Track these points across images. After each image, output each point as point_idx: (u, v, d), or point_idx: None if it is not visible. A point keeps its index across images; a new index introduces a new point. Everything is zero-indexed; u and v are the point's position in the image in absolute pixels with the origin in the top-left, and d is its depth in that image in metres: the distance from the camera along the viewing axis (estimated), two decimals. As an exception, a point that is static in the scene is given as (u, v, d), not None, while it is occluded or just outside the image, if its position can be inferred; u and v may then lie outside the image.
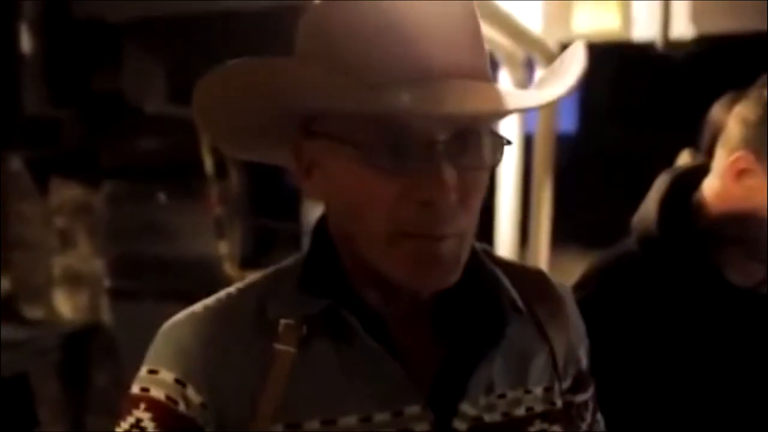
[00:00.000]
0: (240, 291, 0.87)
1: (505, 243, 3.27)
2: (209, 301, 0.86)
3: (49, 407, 3.80)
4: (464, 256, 0.80)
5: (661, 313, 1.25)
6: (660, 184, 1.35)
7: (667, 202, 1.32)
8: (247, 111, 0.80)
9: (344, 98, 0.74)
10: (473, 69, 0.76)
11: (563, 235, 4.42)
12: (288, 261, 0.89)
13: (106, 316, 3.88)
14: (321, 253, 0.86)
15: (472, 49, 0.77)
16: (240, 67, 0.76)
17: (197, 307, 0.85)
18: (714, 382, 1.24)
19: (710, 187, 1.28)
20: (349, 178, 0.77)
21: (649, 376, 1.23)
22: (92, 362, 3.88)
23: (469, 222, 0.79)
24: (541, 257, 3.72)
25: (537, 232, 3.89)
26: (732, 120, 1.24)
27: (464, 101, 0.74)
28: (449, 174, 0.74)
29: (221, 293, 0.87)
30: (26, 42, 3.59)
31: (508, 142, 0.80)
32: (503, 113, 0.79)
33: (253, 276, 0.89)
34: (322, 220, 0.88)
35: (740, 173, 1.22)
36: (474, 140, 0.77)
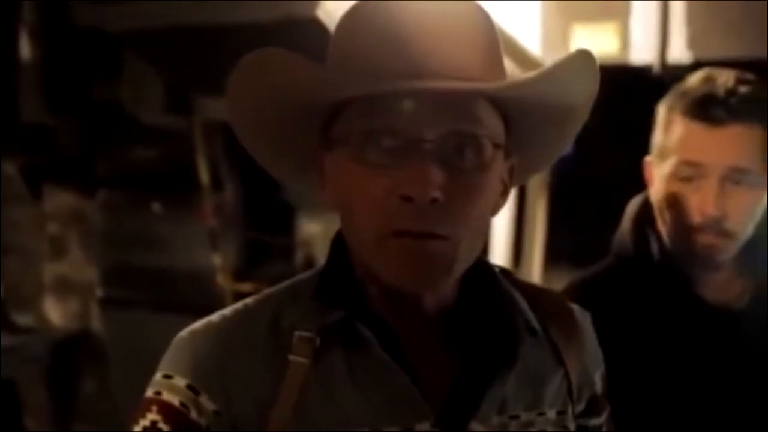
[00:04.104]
0: (257, 302, 0.88)
1: (498, 262, 3.28)
2: (227, 311, 0.87)
3: (36, 415, 3.77)
4: (459, 261, 0.81)
5: (632, 331, 1.27)
6: (633, 204, 1.40)
7: (639, 222, 1.34)
8: (272, 104, 0.83)
9: (325, 86, 0.78)
10: (477, 75, 0.78)
11: (556, 255, 4.42)
12: (306, 274, 0.91)
13: (97, 324, 3.86)
14: (337, 264, 0.88)
15: (477, 59, 0.80)
16: (262, 57, 0.79)
17: (214, 316, 0.87)
18: (682, 396, 1.25)
19: None
20: (345, 177, 0.81)
21: (622, 389, 1.23)
22: (81, 371, 3.85)
23: (463, 227, 0.79)
24: (534, 276, 3.72)
25: (530, 251, 3.89)
26: None
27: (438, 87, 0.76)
28: (433, 172, 0.76)
29: (239, 304, 0.89)
30: (25, 48, 3.59)
31: (499, 146, 0.82)
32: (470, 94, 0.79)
33: (270, 288, 0.90)
34: (340, 233, 0.89)
35: (649, 175, 1.33)
36: (471, 144, 0.79)
